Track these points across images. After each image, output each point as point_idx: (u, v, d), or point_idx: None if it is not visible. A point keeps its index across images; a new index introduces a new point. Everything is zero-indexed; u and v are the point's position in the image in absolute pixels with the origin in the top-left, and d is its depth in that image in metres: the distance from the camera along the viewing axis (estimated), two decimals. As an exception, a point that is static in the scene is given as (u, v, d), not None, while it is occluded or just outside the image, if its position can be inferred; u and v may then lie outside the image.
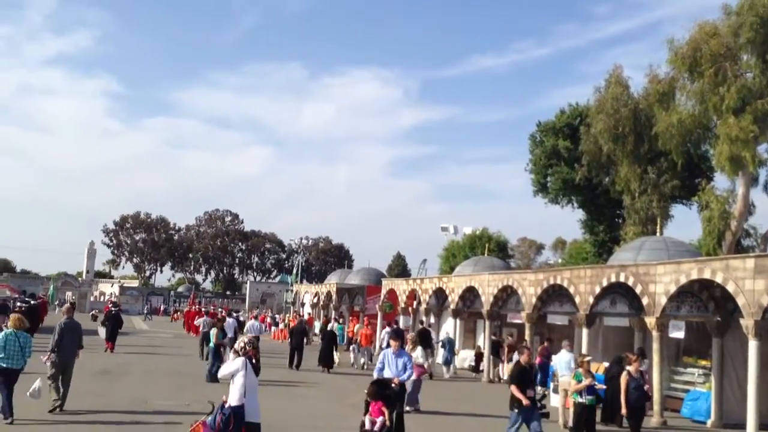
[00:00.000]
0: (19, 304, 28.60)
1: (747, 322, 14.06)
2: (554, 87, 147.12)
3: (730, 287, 14.63)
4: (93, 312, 51.40)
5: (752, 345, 14.00)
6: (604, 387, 13.71)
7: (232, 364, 8.66)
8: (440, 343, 26.49)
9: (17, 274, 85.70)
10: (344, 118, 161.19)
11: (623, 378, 12.71)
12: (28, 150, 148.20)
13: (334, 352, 25.26)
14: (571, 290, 20.20)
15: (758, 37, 29.52)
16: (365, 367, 25.67)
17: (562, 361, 16.04)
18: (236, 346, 9.00)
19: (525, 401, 11.15)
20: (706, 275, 15.48)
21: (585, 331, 19.32)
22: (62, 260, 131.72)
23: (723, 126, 29.85)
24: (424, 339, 23.57)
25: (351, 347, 28.34)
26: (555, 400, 17.72)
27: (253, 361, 8.71)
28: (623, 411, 12.41)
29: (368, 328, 27.76)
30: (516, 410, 11.32)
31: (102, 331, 27.51)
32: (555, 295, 22.08)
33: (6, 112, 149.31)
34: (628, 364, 13.10)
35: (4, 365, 11.53)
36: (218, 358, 19.23)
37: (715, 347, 17.10)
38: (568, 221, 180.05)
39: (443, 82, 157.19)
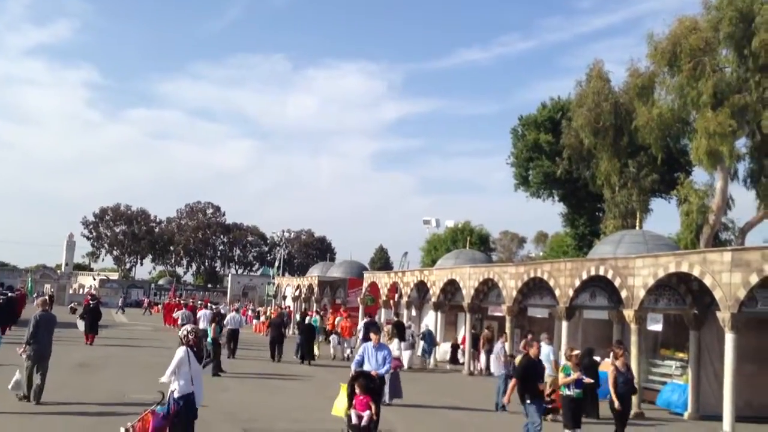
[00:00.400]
0: (-3, 296, 28.22)
1: (724, 315, 14.21)
2: (538, 80, 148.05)
3: (707, 280, 14.78)
4: (72, 305, 50.96)
5: (729, 338, 14.15)
6: (592, 381, 13.75)
7: (176, 355, 8.81)
8: (420, 336, 26.62)
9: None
10: (328, 110, 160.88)
11: (611, 372, 12.69)
12: (8, 141, 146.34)
13: (314, 345, 25.31)
14: (551, 283, 20.30)
15: (737, 32, 29.76)
16: (348, 358, 25.86)
17: (542, 353, 16.11)
18: (179, 334, 9.19)
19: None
20: (684, 269, 15.63)
21: (565, 324, 19.44)
22: (41, 253, 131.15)
23: (701, 120, 30.08)
24: (400, 331, 23.66)
25: (330, 339, 28.39)
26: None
27: (194, 349, 8.96)
28: (616, 405, 12.21)
29: (348, 321, 27.96)
30: (529, 401, 11.31)
31: (81, 324, 27.29)
32: (535, 288, 22.19)
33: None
34: (615, 359, 13.07)
35: None
36: (217, 353, 19.46)
37: (692, 340, 17.30)
38: (549, 215, 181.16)
39: (428, 75, 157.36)
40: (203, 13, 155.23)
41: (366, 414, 10.39)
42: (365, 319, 26.79)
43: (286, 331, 28.61)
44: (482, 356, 24.08)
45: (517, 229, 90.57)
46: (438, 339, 27.42)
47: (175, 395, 8.62)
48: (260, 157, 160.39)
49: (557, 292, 19.92)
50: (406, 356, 24.80)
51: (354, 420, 10.40)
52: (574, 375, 12.12)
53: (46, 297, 15.37)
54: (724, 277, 14.30)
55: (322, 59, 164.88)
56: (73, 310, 45.04)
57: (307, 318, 27.32)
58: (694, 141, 31.39)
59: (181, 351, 8.79)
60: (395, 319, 27.82)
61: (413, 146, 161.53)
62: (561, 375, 12.69)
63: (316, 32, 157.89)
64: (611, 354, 13.78)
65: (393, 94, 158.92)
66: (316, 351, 25.93)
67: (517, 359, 13.61)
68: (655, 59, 32.40)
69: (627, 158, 37.35)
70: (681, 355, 18.36)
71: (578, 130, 37.40)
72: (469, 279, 25.29)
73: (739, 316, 14.07)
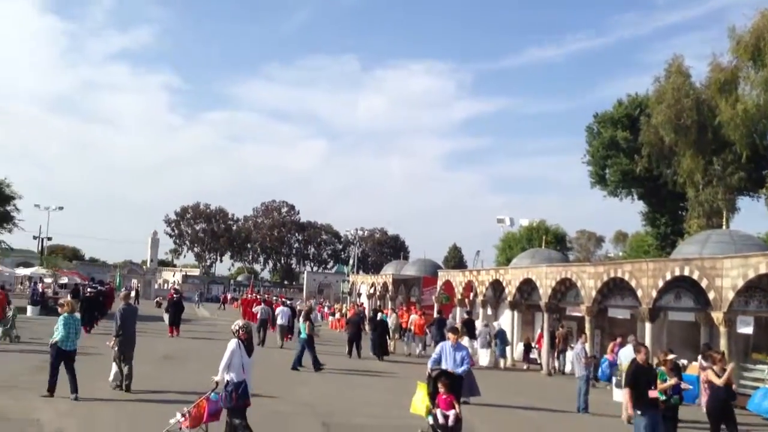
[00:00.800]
0: (89, 289, 29.60)
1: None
2: (613, 78, 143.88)
3: (803, 282, 14.09)
4: (157, 299, 52.93)
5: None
6: (690, 387, 13.08)
7: (228, 347, 9.21)
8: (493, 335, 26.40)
9: (86, 262, 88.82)
10: (398, 110, 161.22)
11: (710, 377, 12.03)
12: (95, 143, 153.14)
13: (388, 341, 25.63)
14: (633, 284, 19.77)
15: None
16: (420, 355, 26.26)
17: (628, 356, 15.62)
18: (232, 328, 9.62)
19: (629, 412, 10.41)
20: (777, 269, 14.95)
21: (648, 326, 18.90)
22: (128, 249, 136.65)
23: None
24: (470, 329, 23.53)
25: (404, 336, 28.56)
26: (618, 395, 17.41)
27: (245, 342, 9.32)
28: (704, 410, 11.45)
29: (421, 318, 28.04)
30: (640, 413, 9.94)
31: (166, 317, 28.37)
32: (616, 288, 21.67)
33: (74, 107, 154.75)
34: (712, 363, 12.42)
35: (66, 348, 12.12)
36: (311, 348, 19.88)
37: (786, 344, 16.53)
38: (628, 214, 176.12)
39: (498, 74, 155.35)
40: (275, 16, 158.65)
41: (452, 413, 10.22)
42: (435, 317, 26.90)
43: (364, 327, 28.92)
44: (555, 355, 23.80)
45: (594, 228, 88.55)
46: (514, 338, 27.14)
47: (229, 384, 9.00)
48: (332, 157, 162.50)
49: (639, 293, 19.38)
50: (482, 354, 24.73)
51: (440, 419, 10.19)
52: (671, 381, 11.54)
53: (129, 291, 16.15)
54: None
55: (391, 60, 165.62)
56: (159, 304, 46.74)
57: (379, 315, 27.52)
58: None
59: (233, 343, 9.20)
60: (465, 317, 27.74)
61: (484, 145, 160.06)
62: (658, 381, 12.08)
63: (384, 32, 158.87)
64: (700, 358, 13.25)
65: (462, 94, 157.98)
66: (391, 348, 26.29)
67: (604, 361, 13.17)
68: (737, 53, 31.19)
69: (711, 155, 35.99)
70: (774, 359, 17.54)
71: (658, 127, 36.25)
72: (545, 278, 24.90)
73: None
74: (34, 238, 60.74)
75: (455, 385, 10.91)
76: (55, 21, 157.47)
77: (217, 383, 9.25)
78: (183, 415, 9.08)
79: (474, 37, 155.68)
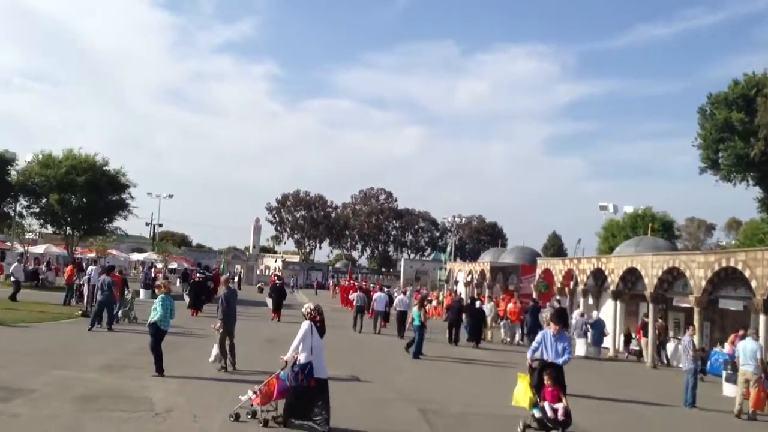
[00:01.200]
0: (198, 274, 30.99)
1: None
2: (727, 56, 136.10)
3: None
4: (259, 284, 54.82)
5: None
6: None
7: (301, 328, 9.56)
8: (590, 324, 25.70)
9: (193, 248, 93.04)
10: (498, 95, 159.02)
11: None
12: (201, 132, 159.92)
13: (484, 329, 25.89)
14: (747, 274, 18.68)
15: None
16: (517, 343, 26.45)
17: (747, 349, 14.75)
18: (303, 311, 9.95)
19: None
20: None
21: (762, 318, 17.83)
22: (232, 236, 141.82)
23: None
24: (563, 318, 22.82)
25: (502, 323, 28.29)
26: (728, 390, 16.59)
27: (317, 325, 9.64)
28: None
29: (516, 306, 27.74)
30: None
31: (269, 302, 29.32)
32: (728, 278, 20.56)
33: (182, 97, 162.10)
34: None
35: (164, 328, 12.73)
36: (422, 336, 19.99)
37: None
38: (741, 200, 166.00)
39: (603, 55, 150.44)
40: (374, 3, 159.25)
41: (560, 406, 9.89)
42: (530, 305, 26.52)
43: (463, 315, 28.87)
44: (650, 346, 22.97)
45: (705, 216, 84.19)
46: (616, 329, 26.33)
47: (298, 365, 9.33)
48: (430, 143, 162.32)
49: (753, 284, 18.29)
50: (578, 344, 24.17)
51: (549, 413, 9.84)
52: None
53: (230, 276, 16.86)
54: None
55: (492, 43, 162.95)
56: (261, 290, 48.46)
57: (477, 303, 27.33)
58: None
59: (305, 325, 9.55)
60: (557, 305, 27.13)
61: (587, 129, 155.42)
62: None
63: (485, 15, 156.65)
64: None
65: (566, 76, 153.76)
66: (488, 336, 26.25)
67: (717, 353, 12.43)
68: None
69: (837, 137, 33.36)
70: None
71: (777, 107, 33.93)
72: (651, 267, 23.94)
73: None
74: (147, 224, 64.03)
75: (560, 377, 10.48)
76: (164, 15, 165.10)
77: (286, 362, 9.58)
78: (254, 392, 9.48)
79: (577, 17, 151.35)
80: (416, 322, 20.41)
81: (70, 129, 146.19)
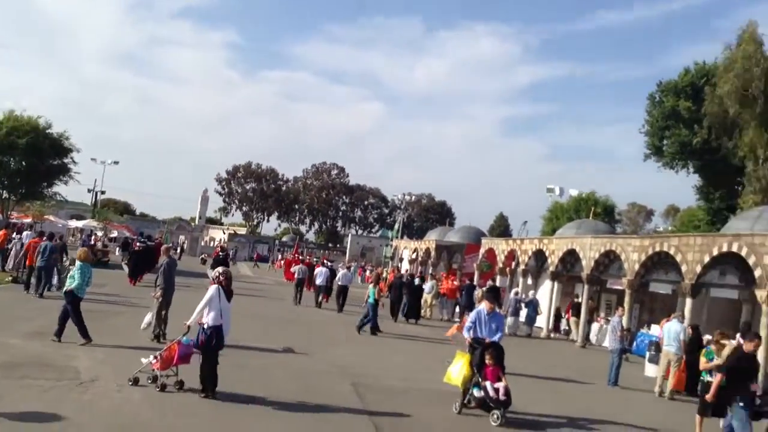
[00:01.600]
0: (138, 244, 30.36)
1: None
2: (683, 45, 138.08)
3: None
4: (202, 256, 54.07)
5: None
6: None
7: (208, 292, 9.73)
8: (524, 303, 26.25)
9: (136, 216, 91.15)
10: (458, 74, 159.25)
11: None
12: (154, 97, 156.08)
13: (424, 306, 26.55)
14: (678, 258, 19.30)
15: None
16: (449, 319, 26.97)
17: (671, 330, 15.26)
18: (212, 275, 10.16)
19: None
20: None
21: (689, 302, 18.47)
22: (178, 206, 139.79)
23: None
24: (495, 296, 23.27)
25: (438, 301, 28.80)
26: (650, 370, 17.17)
27: (224, 288, 9.81)
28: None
29: (452, 283, 28.27)
30: (742, 405, 9.08)
31: (210, 273, 28.92)
32: (660, 263, 21.20)
33: (138, 63, 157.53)
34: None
35: (80, 296, 12.58)
36: (375, 312, 20.05)
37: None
38: (682, 187, 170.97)
39: (564, 38, 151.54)
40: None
41: (501, 386, 10.00)
42: (466, 283, 26.97)
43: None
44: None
45: (646, 202, 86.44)
46: (551, 309, 26.95)
47: (205, 327, 9.50)
48: (387, 121, 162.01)
49: (684, 268, 18.92)
50: (508, 322, 24.67)
51: (491, 392, 9.93)
52: (718, 361, 11.13)
53: (170, 246, 16.68)
54: None
55: (456, 20, 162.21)
56: (204, 261, 47.81)
57: (416, 280, 27.54)
58: None
59: (212, 289, 9.73)
60: (490, 283, 27.65)
61: (545, 112, 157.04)
62: (702, 360, 11.63)
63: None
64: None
65: (527, 58, 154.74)
66: (428, 313, 26.65)
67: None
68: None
69: (775, 129, 34.43)
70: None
71: (723, 98, 34.76)
72: (589, 249, 24.51)
73: None
74: (89, 191, 62.33)
75: (501, 356, 10.56)
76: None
77: (189, 327, 9.70)
78: (155, 357, 9.59)
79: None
80: (371, 300, 20.45)
81: (17, 92, 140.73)
